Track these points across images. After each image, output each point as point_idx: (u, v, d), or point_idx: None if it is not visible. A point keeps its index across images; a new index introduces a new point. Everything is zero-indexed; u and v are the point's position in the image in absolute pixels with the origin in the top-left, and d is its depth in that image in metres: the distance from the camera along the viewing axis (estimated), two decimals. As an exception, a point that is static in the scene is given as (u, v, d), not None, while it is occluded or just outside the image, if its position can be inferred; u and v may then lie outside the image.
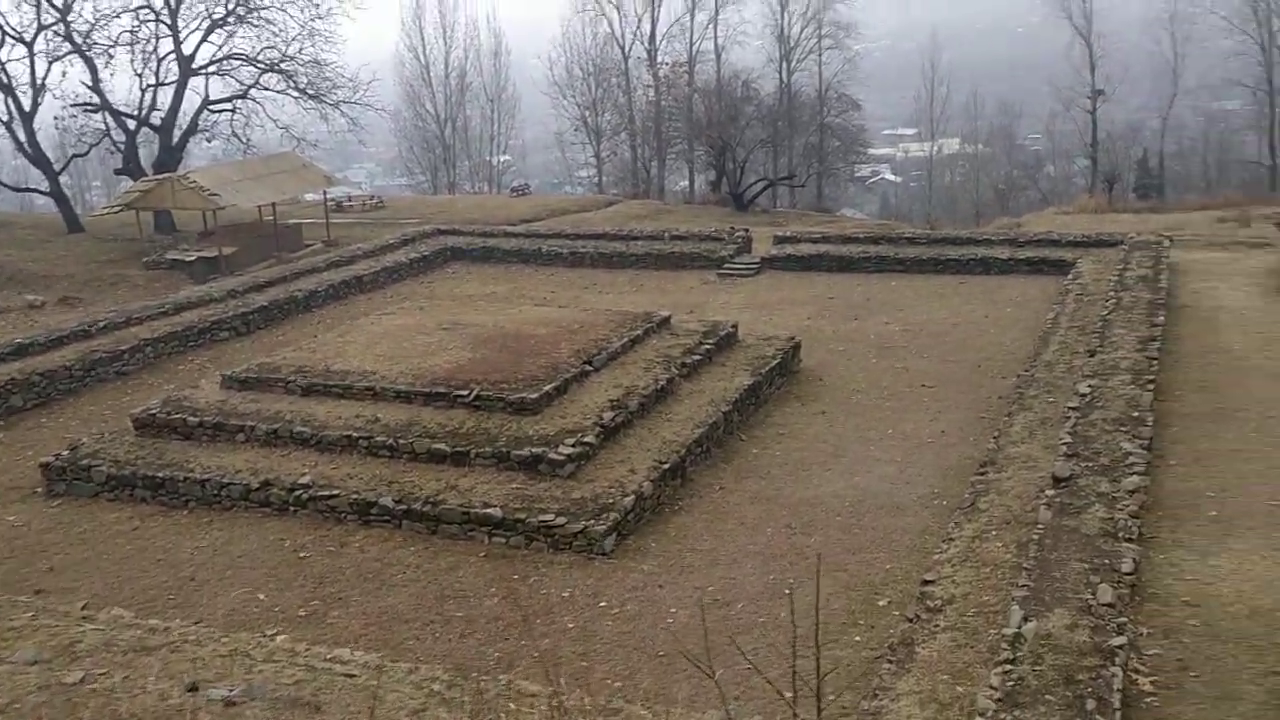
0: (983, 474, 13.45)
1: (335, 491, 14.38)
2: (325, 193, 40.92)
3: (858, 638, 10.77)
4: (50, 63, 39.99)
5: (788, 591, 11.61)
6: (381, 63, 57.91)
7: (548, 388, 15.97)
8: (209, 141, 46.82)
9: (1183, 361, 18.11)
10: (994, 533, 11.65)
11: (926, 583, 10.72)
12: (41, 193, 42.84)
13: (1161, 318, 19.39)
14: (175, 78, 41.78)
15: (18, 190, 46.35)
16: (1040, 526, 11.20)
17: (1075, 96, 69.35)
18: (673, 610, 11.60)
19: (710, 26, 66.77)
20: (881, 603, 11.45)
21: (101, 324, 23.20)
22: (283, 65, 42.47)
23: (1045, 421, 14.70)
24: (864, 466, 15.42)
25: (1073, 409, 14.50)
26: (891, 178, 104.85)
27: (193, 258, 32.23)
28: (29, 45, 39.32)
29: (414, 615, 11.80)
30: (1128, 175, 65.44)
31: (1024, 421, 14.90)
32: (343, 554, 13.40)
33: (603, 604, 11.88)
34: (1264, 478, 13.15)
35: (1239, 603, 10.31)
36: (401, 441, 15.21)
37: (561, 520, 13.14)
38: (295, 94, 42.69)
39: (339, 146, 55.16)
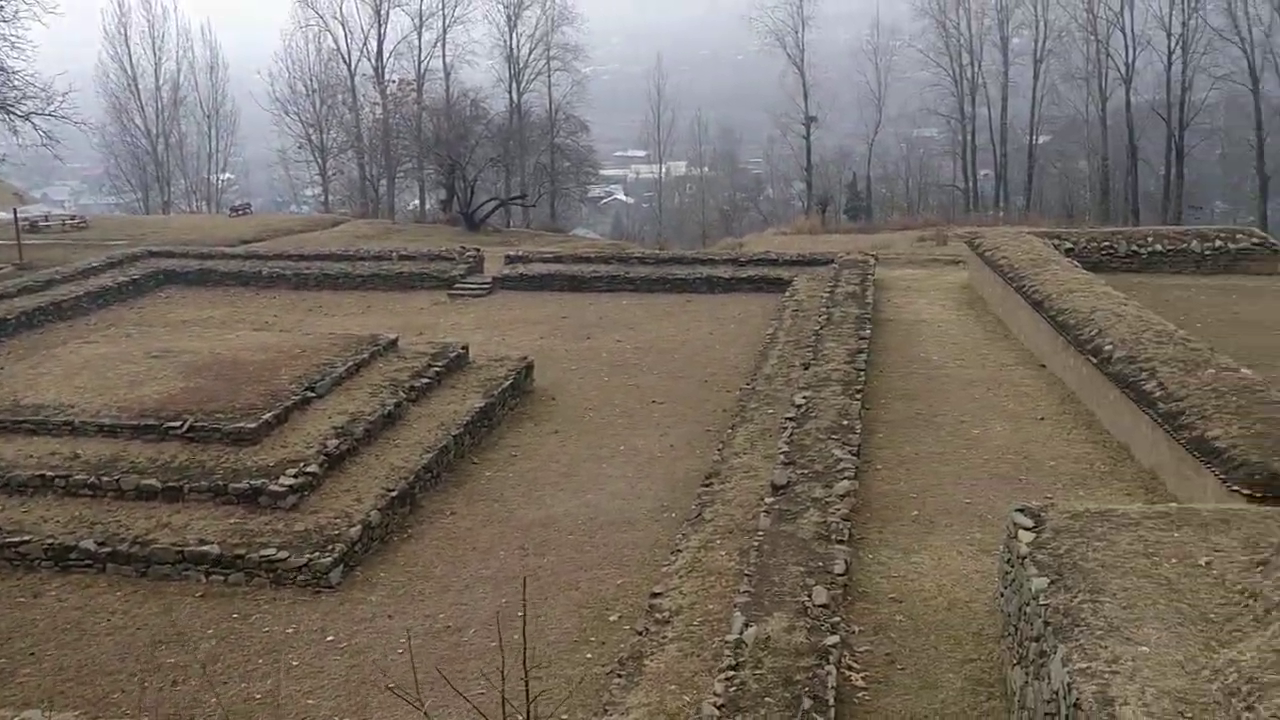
0: (708, 485, 13.87)
1: (26, 537, 13.16)
2: (15, 211, 37.67)
3: (589, 655, 10.83)
4: None
5: (519, 614, 11.54)
6: (83, 73, 54.06)
7: (267, 416, 15.27)
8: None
9: (887, 371, 19.38)
10: (719, 542, 12.02)
11: (655, 595, 10.93)
12: None
13: (868, 331, 20.68)
14: None
15: None
16: (760, 533, 11.64)
17: (791, 123, 73.35)
18: (403, 640, 11.29)
19: (438, 45, 66.35)
20: (613, 618, 11.57)
21: None
22: (-37, 72, 38.93)
23: (765, 432, 15.33)
24: (596, 484, 15.57)
25: (790, 419, 15.19)
26: (624, 198, 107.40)
27: None
28: None
29: (120, 666, 10.95)
30: (839, 197, 69.77)
31: (746, 433, 15.49)
32: (36, 605, 12.28)
33: (330, 639, 11.43)
34: (959, 478, 14.23)
35: (939, 596, 11.09)
36: (105, 479, 14.12)
37: (284, 554, 12.56)
38: (-22, 104, 39.19)
39: (36, 162, 51.05)
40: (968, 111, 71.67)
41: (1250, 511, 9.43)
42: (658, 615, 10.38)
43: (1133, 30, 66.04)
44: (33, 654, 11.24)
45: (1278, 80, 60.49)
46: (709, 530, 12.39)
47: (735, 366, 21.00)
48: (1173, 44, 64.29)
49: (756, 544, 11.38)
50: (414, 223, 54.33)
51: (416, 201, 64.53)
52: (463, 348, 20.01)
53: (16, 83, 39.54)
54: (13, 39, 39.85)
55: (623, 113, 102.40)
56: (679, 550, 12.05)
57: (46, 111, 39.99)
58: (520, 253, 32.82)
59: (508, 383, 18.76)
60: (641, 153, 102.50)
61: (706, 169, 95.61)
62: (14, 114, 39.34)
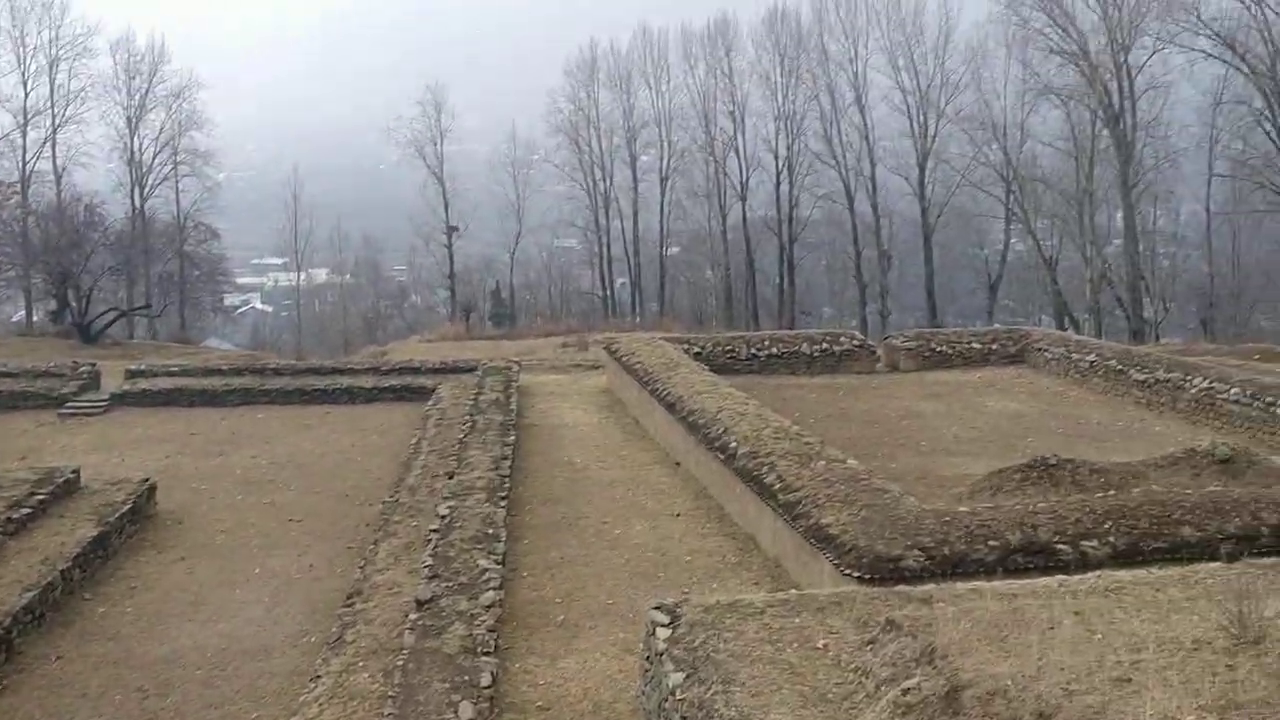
0: (350, 605, 13.34)
1: None
2: None
3: (220, 801, 10.00)
4: None
5: (140, 763, 10.50)
6: None
7: None
8: None
9: (532, 477, 19.64)
10: (362, 664, 11.55)
11: (292, 728, 10.30)
12: None
13: (512, 437, 20.91)
14: None
15: None
16: (405, 651, 11.31)
17: (433, 232, 73.95)
18: (-4, 811, 9.96)
19: (47, 146, 61.54)
20: (246, 757, 10.78)
21: None
22: None
23: (409, 546, 15.02)
24: (229, 612, 14.58)
25: (434, 531, 14.98)
26: (262, 307, 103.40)
27: None
28: None
29: None
30: (484, 305, 70.72)
31: (389, 548, 15.10)
32: None
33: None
34: (602, 579, 14.55)
35: (584, 700, 11.19)
36: None
37: None
38: None
39: None
40: (602, 223, 75.27)
41: (860, 593, 10.27)
42: (295, 749, 9.78)
43: (745, 153, 72.32)
44: None
45: (868, 200, 67.97)
46: (351, 652, 11.89)
47: (378, 478, 20.51)
48: (780, 166, 70.93)
49: (401, 663, 11.04)
50: (18, 336, 49.49)
51: (21, 313, 58.85)
52: (73, 472, 18.27)
53: None
54: None
55: (259, 219, 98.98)
56: (319, 676, 11.46)
57: None
58: (143, 366, 30.65)
59: (126, 508, 17.29)
60: (279, 260, 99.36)
61: (349, 277, 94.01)
62: None
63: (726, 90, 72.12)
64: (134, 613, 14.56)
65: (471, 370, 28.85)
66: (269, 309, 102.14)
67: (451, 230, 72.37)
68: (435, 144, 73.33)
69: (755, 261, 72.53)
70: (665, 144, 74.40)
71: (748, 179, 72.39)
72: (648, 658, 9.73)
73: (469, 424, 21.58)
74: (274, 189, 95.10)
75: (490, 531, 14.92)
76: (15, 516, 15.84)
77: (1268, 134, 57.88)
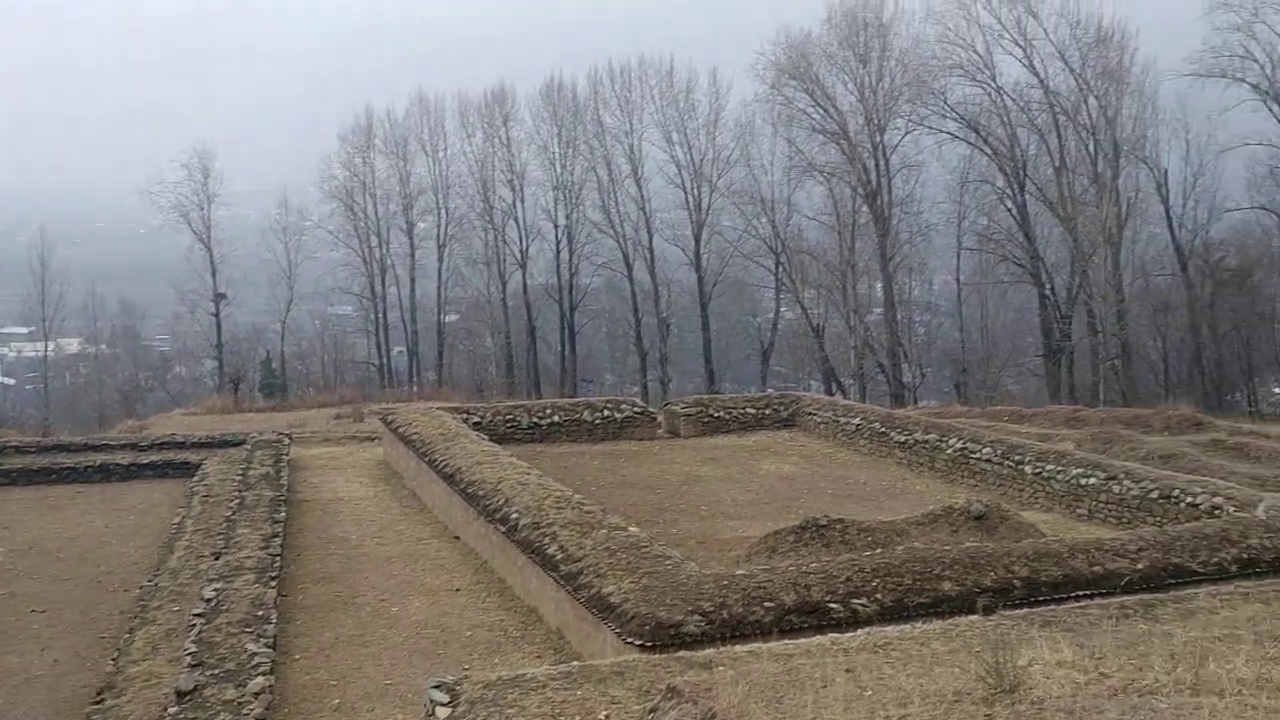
0: (99, 702, 12.34)
1: None
2: None
3: None
4: None
5: None
6: None
7: None
8: None
9: (305, 554, 18.83)
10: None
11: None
12: None
13: (284, 513, 20.02)
14: None
15: None
16: (163, 749, 10.54)
17: (199, 299, 70.86)
18: None
19: None
20: None
21: None
22: None
23: (171, 633, 14.08)
24: (-41, 717, 13.23)
25: (198, 616, 14.09)
26: (4, 380, 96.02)
27: None
28: None
29: None
30: (253, 375, 67.99)
31: (147, 636, 14.11)
32: None
33: None
34: (379, 660, 14.02)
35: (361, 787, 10.70)
36: None
37: None
38: None
39: None
40: (379, 291, 74.06)
41: (642, 661, 10.27)
42: None
43: (525, 221, 72.88)
44: None
45: (646, 269, 69.57)
46: (101, 754, 10.98)
47: (136, 562, 19.19)
48: (559, 234, 71.84)
49: (158, 762, 10.27)
50: None
51: None
52: None
53: None
54: None
55: (2, 285, 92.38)
56: (65, 783, 10.52)
57: None
58: None
59: None
60: (24, 329, 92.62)
61: (104, 346, 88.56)
62: None
63: (505, 159, 72.74)
64: None
65: (240, 444, 27.58)
66: (10, 381, 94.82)
67: (219, 297, 69.56)
68: (202, 208, 70.57)
69: (536, 329, 72.90)
70: (443, 211, 74.23)
71: (528, 247, 72.96)
72: (427, 739, 9.40)
73: (237, 501, 20.56)
74: (18, 253, 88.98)
75: (260, 614, 14.17)
76: None
77: (1009, 210, 63.02)
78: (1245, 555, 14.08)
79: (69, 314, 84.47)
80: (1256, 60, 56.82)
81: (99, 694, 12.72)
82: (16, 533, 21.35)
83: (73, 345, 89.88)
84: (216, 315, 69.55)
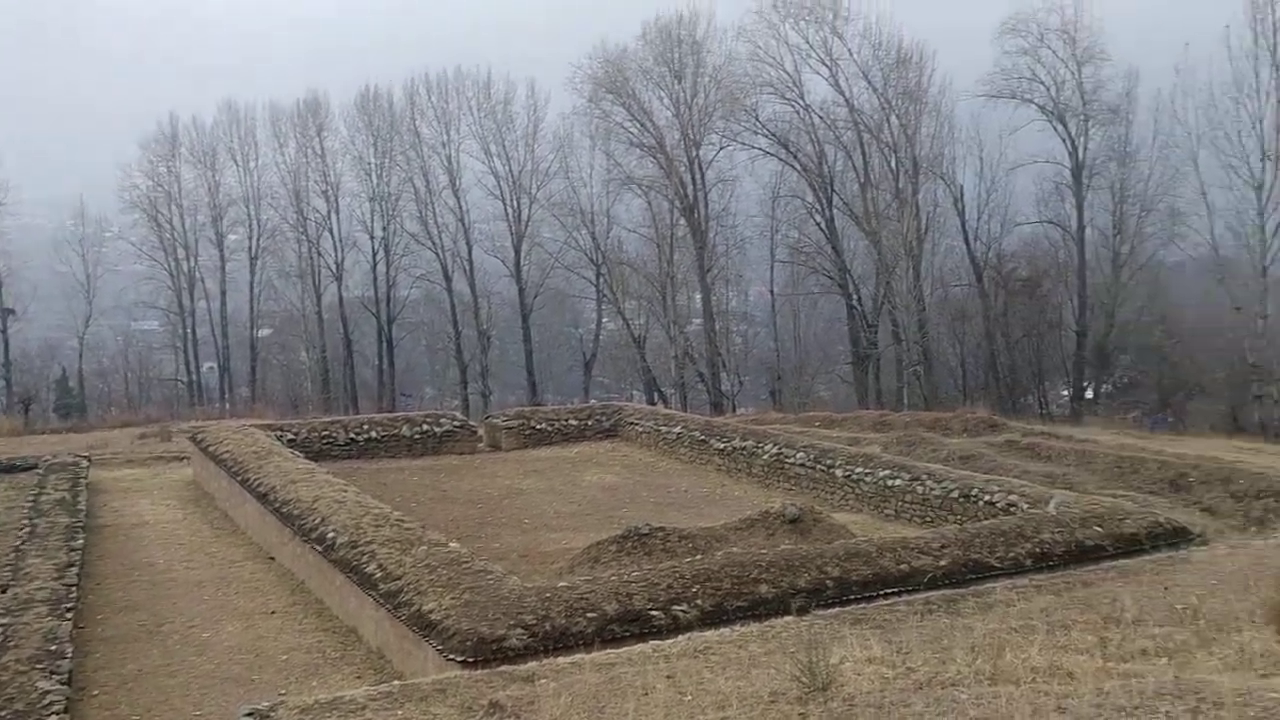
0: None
1: None
2: None
3: None
4: None
5: None
6: None
7: None
8: None
9: (106, 583, 17.88)
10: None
11: None
12: None
13: (81, 540, 18.94)
14: None
15: None
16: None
17: (-15, 315, 66.24)
18: None
19: None
20: None
21: None
22: None
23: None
24: None
25: (-15, 653, 13.19)
26: None
27: None
28: None
29: None
30: (47, 395, 64.14)
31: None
32: None
33: None
34: (187, 690, 13.42)
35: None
36: None
37: None
38: None
39: None
40: (187, 305, 71.14)
41: (464, 677, 10.18)
42: None
43: (340, 232, 71.22)
44: None
45: (466, 281, 68.94)
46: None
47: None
48: (376, 246, 70.48)
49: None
50: None
51: None
52: None
53: None
54: None
55: None
56: None
57: None
58: None
59: None
60: None
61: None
62: None
63: (319, 169, 70.97)
64: None
65: (31, 468, 25.99)
66: None
67: (7, 313, 65.30)
68: (-15, 218, 66.22)
69: (353, 343, 71.30)
70: (254, 222, 71.87)
71: (343, 259, 71.33)
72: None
73: (28, 529, 19.34)
74: None
75: (53, 648, 13.34)
76: None
77: (818, 224, 65.31)
78: (1039, 550, 14.97)
79: None
80: (1042, 82, 60.67)
81: None
82: None
83: None
84: (3, 332, 65.29)
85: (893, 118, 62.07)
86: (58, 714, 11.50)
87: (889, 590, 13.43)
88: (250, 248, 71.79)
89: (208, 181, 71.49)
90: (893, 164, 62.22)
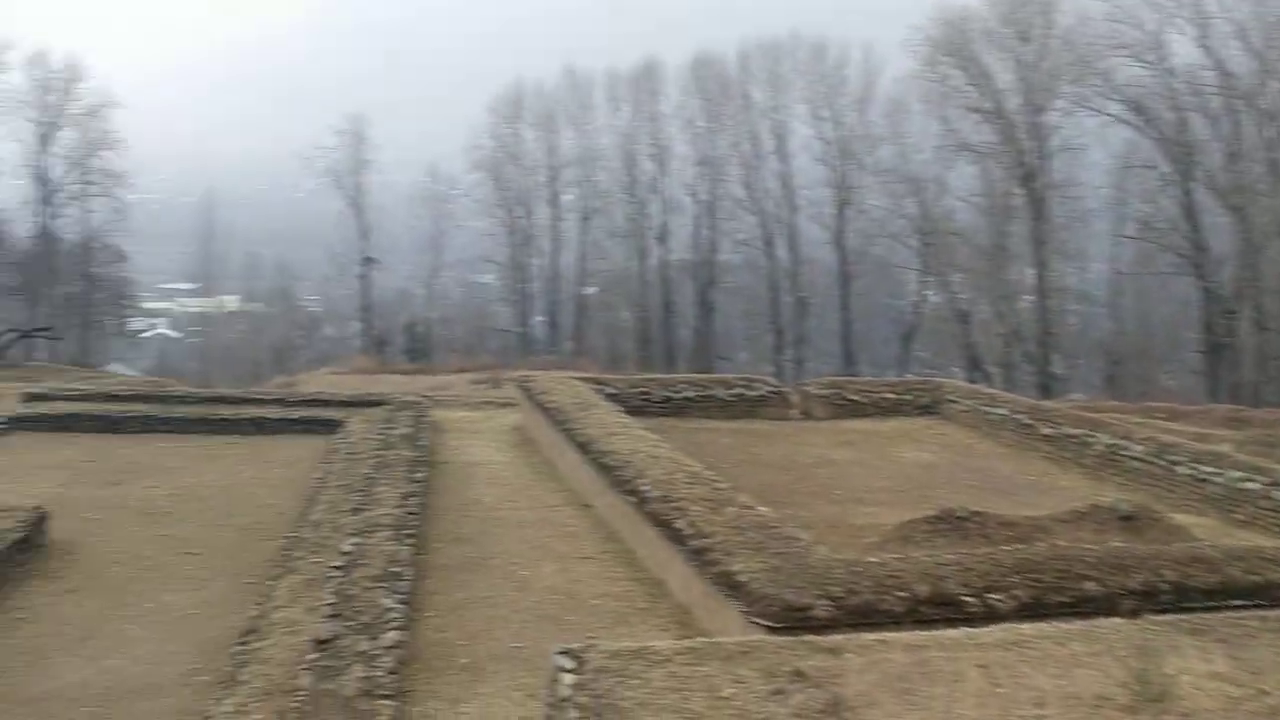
0: (244, 643, 12.87)
1: None
2: None
3: None
4: None
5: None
6: None
7: None
8: None
9: (441, 515, 19.27)
10: (255, 705, 11.10)
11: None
12: None
13: (422, 474, 20.51)
14: None
15: None
16: (302, 693, 10.92)
17: (349, 262, 73.22)
18: None
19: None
20: (127, 804, 10.28)
21: None
22: None
23: (310, 583, 14.57)
24: (119, 647, 13.99)
25: (337, 568, 14.55)
26: (169, 333, 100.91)
27: None
28: None
29: None
30: (398, 338, 69.92)
31: (289, 584, 14.64)
32: None
33: None
34: (508, 622, 14.26)
35: (486, 745, 10.91)
36: None
37: None
38: None
39: None
40: (521, 260, 75.21)
41: (769, 642, 10.17)
42: (180, 796, 9.34)
43: (666, 195, 72.98)
44: None
45: (786, 247, 68.89)
46: (245, 693, 11.43)
47: (281, 513, 19.95)
48: (700, 210, 71.66)
49: (296, 705, 10.64)
50: (-91, 354, 47.63)
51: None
52: (-40, 500, 17.49)
53: None
54: None
55: (170, 243, 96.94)
56: (210, 717, 11.01)
57: None
58: (43, 389, 29.61)
59: (16, 536, 16.54)
60: (189, 285, 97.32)
61: (260, 304, 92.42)
62: None
63: (650, 133, 72.83)
64: (18, 646, 13.90)
65: (382, 404, 28.35)
66: (176, 335, 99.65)
67: (368, 262, 71.69)
68: (354, 174, 72.74)
69: (672, 304, 72.96)
70: (587, 183, 74.77)
71: (667, 221, 73.00)
72: (551, 704, 9.50)
73: (377, 459, 21.15)
74: (186, 212, 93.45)
75: (395, 570, 14.55)
76: (-110, 544, 15.07)
77: (1173, 198, 60.05)
78: None
79: (231, 273, 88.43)
80: None
81: (244, 636, 13.27)
82: (176, 478, 22.43)
83: (232, 302, 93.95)
84: (365, 279, 71.67)
85: (1272, 82, 55.99)
86: (397, 629, 12.52)
87: (1236, 603, 12.22)
88: (582, 208, 74.91)
89: (546, 143, 75.15)
90: (1268, 133, 56.21)
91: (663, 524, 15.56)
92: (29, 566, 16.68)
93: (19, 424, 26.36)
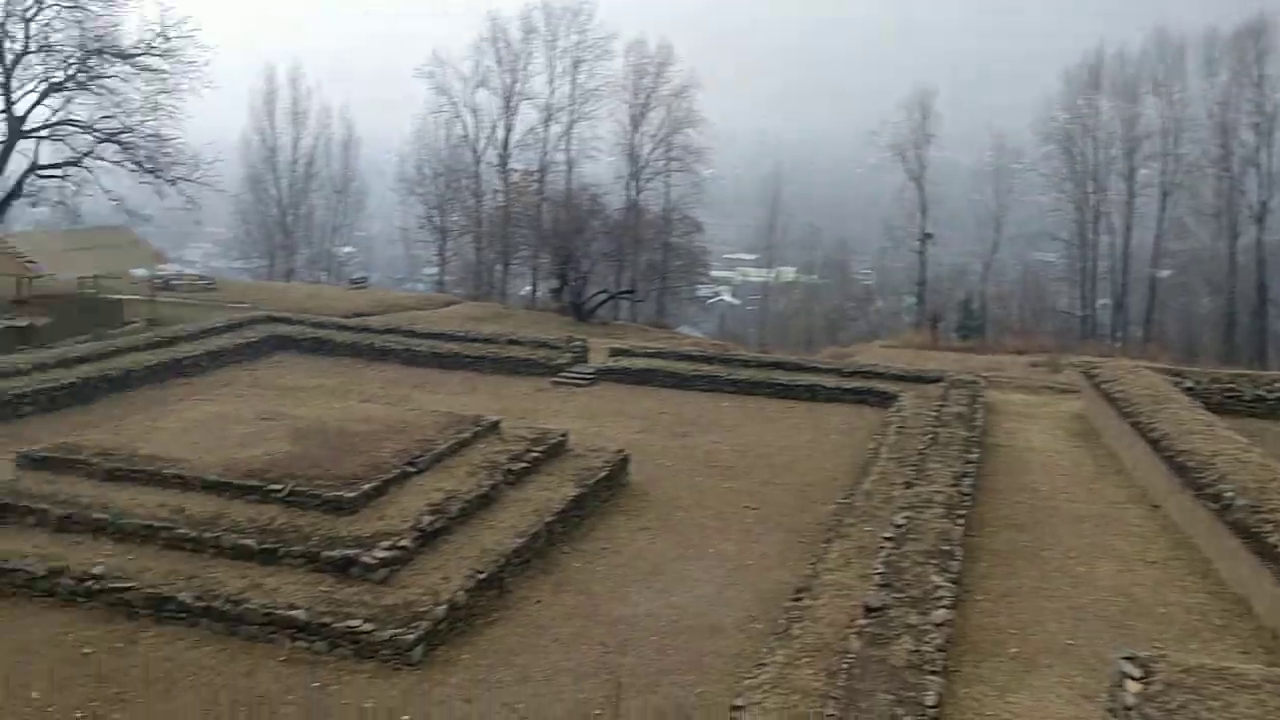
0: (798, 600, 13.52)
1: (130, 584, 13.45)
2: (154, 270, 39.42)
3: (665, 764, 10.53)
4: None
5: (597, 713, 11.32)
6: (227, 144, 56.73)
7: (366, 487, 15.45)
8: (33, 207, 44.83)
9: (993, 499, 18.79)
10: (806, 660, 11.66)
11: (736, 708, 10.61)
12: None
13: (975, 455, 20.11)
14: (3, 139, 40.04)
15: None
16: (850, 656, 11.26)
17: (905, 237, 73.22)
18: (477, 729, 11.16)
19: (564, 139, 68.16)
20: (691, 728, 11.26)
21: (-116, 389, 21.47)
22: (121, 136, 41.17)
23: (861, 550, 14.94)
24: (683, 586, 15.33)
25: (888, 539, 14.77)
26: (730, 300, 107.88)
27: (1, 326, 30.37)
28: None
29: (200, 724, 11.01)
30: (951, 315, 68.88)
31: (840, 549, 15.12)
32: (131, 652, 12.48)
33: (405, 718, 11.33)
34: (1061, 617, 13.63)
35: (1035, 740, 10.54)
36: (206, 535, 14.40)
37: (368, 627, 12.57)
38: (132, 167, 41.36)
39: (175, 223, 53.53)
40: (1089, 238, 70.70)
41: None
42: (738, 730, 10.05)
43: (1269, 169, 64.73)
44: (123, 700, 11.39)
45: None
46: (796, 647, 12.03)
47: (833, 478, 20.62)
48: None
49: (846, 666, 11.00)
50: (524, 309, 55.27)
51: (528, 288, 65.70)
52: (562, 435, 20.07)
53: (168, 149, 41.75)
54: (171, 108, 42.12)
55: (736, 216, 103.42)
56: (764, 664, 11.72)
57: (192, 178, 42.02)
58: (626, 346, 33.02)
59: (603, 474, 18.71)
60: (750, 256, 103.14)
61: (815, 276, 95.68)
62: (163, 178, 41.43)
63: (1252, 99, 64.88)
64: (603, 572, 15.72)
65: (936, 381, 28.16)
66: (736, 302, 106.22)
67: (926, 237, 71.24)
68: (917, 148, 72.52)
69: (1267, 291, 64.76)
70: (1170, 157, 68.35)
71: (1268, 199, 64.75)
72: (1113, 710, 8.95)
73: (930, 436, 21.08)
74: (752, 186, 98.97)
75: (945, 548, 14.47)
76: (514, 469, 17.67)
77: None
78: None
79: (789, 244, 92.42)
80: None
81: (797, 593, 13.95)
82: (737, 435, 23.99)
83: (789, 273, 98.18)
84: (921, 254, 71.37)
85: None
86: (946, 608, 12.47)
87: None
88: (1162, 183, 68.73)
89: (1124, 114, 69.75)
90: None
91: (1250, 536, 13.97)
92: (612, 502, 18.77)
93: (605, 375, 29.61)
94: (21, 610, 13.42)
